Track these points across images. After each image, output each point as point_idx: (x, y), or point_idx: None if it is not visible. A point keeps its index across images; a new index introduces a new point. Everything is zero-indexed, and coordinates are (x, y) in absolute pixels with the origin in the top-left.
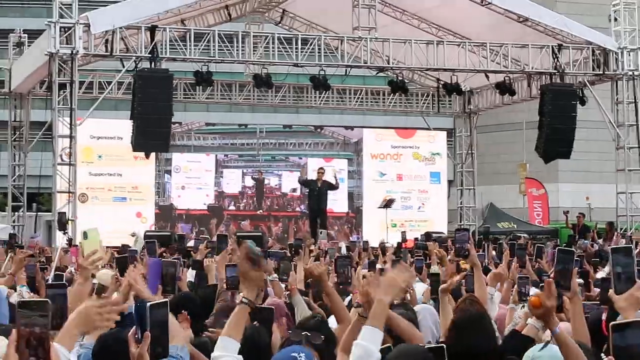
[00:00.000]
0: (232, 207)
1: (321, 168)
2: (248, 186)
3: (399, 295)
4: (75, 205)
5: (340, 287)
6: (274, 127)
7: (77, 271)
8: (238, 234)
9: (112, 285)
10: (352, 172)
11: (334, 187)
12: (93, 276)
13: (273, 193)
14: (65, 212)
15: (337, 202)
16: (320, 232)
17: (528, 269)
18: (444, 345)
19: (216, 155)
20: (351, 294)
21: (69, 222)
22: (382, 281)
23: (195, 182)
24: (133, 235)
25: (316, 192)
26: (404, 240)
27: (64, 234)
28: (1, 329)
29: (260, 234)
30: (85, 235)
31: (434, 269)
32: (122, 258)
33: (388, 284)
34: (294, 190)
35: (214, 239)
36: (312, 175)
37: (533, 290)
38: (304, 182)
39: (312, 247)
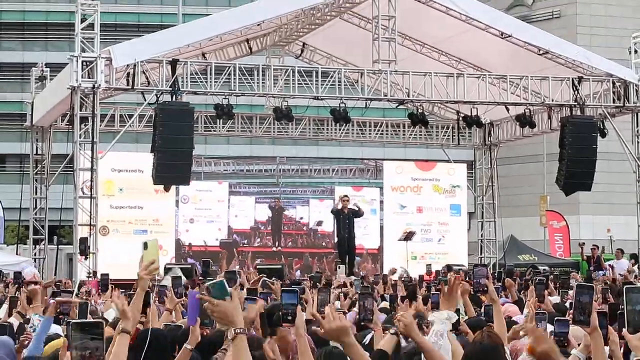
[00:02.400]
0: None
1: (345, 195)
2: (261, 221)
3: (346, 333)
4: (96, 238)
5: (362, 323)
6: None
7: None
8: (259, 267)
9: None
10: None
11: (358, 214)
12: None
13: (298, 228)
14: (87, 237)
15: (368, 237)
16: (339, 267)
17: (547, 304)
18: None
19: (229, 184)
20: (373, 332)
21: (91, 255)
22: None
23: (205, 214)
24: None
25: (347, 221)
26: (429, 272)
27: (85, 259)
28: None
29: (280, 266)
30: (145, 245)
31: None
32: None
33: (332, 334)
34: (319, 223)
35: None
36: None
37: (550, 328)
38: (333, 212)
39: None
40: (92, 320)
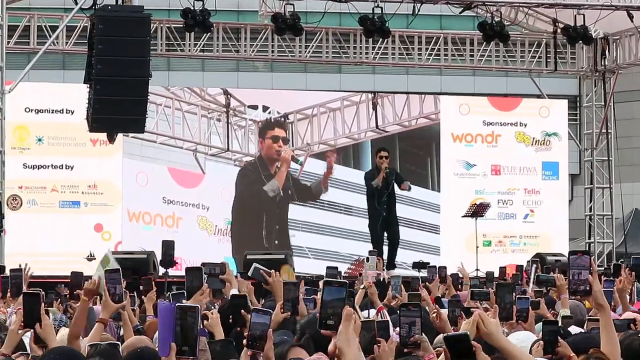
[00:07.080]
0: None
1: (382, 149)
2: None
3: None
4: (2, 213)
5: (405, 351)
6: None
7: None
8: (249, 257)
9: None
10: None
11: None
12: None
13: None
14: None
15: (416, 211)
16: (367, 259)
17: None
18: None
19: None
20: None
21: None
22: None
23: None
24: (90, 259)
25: (386, 191)
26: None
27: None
28: None
29: (282, 256)
30: (103, 263)
31: (564, 312)
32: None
33: None
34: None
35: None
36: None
37: None
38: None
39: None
40: None
